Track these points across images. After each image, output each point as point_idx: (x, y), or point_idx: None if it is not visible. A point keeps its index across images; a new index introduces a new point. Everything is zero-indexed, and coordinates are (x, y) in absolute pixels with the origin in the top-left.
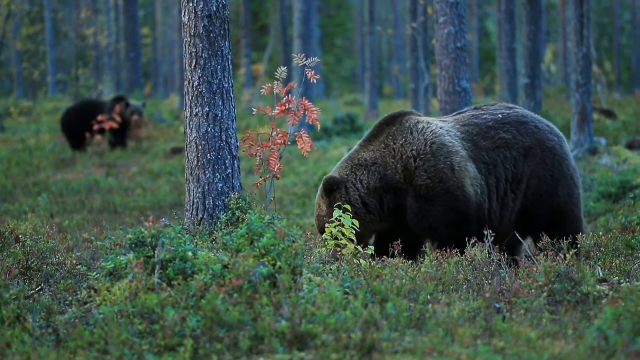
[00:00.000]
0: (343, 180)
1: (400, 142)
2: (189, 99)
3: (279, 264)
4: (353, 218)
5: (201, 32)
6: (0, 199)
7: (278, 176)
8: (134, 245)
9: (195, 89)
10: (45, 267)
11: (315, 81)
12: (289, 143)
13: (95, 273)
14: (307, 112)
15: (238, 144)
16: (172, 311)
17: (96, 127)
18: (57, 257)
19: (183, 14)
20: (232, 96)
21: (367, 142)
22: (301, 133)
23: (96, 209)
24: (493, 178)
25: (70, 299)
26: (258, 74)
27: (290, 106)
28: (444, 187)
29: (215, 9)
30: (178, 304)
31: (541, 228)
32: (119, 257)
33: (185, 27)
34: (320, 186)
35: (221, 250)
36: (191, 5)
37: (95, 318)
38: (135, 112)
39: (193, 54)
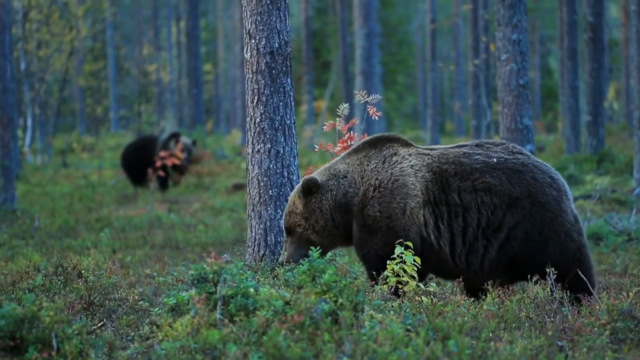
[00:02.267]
0: (321, 185)
1: (371, 167)
2: (250, 135)
3: (340, 300)
4: (320, 229)
5: (263, 68)
6: (63, 234)
7: None
8: (196, 281)
9: (257, 125)
10: (107, 302)
11: (377, 118)
12: None
13: (157, 309)
14: None
15: (300, 180)
16: (233, 347)
17: (158, 163)
18: (120, 292)
19: (245, 51)
20: (294, 132)
21: (347, 155)
22: None
23: (158, 245)
24: (460, 221)
25: (132, 334)
26: (319, 111)
27: (352, 143)
28: (389, 224)
29: (277, 45)
30: (240, 339)
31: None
32: (181, 293)
33: (248, 63)
34: (299, 185)
35: (283, 286)
36: (253, 42)
37: (157, 354)
38: (184, 150)
39: (255, 90)
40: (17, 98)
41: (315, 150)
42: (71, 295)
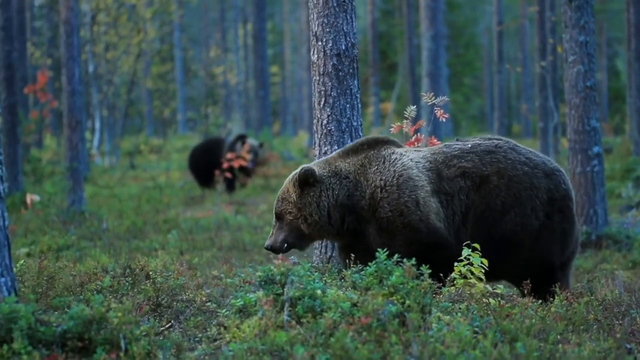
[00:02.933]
0: (319, 179)
1: (374, 168)
2: (317, 137)
3: (407, 302)
4: (312, 222)
5: (330, 70)
6: (131, 236)
7: None
8: (263, 283)
9: (324, 127)
10: (175, 303)
11: (443, 120)
12: None
13: (224, 310)
14: None
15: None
16: (301, 349)
17: (225, 165)
18: (187, 293)
19: (312, 53)
20: (361, 134)
21: (345, 154)
22: None
23: (225, 246)
24: (450, 210)
25: (200, 335)
26: (386, 112)
27: (419, 144)
28: (403, 221)
29: (344, 47)
30: (307, 341)
31: (487, 257)
32: (248, 295)
33: (314, 65)
34: (297, 173)
35: (350, 288)
36: (320, 44)
37: (225, 355)
38: (251, 152)
39: (322, 92)
40: (86, 100)
41: None
42: (139, 297)
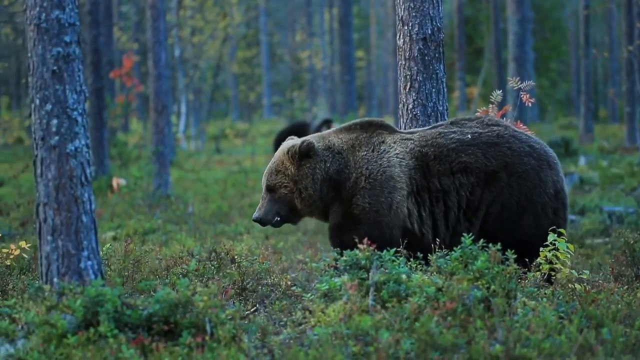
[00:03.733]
0: (317, 152)
1: (363, 153)
2: (403, 121)
3: (493, 287)
4: (307, 196)
5: (416, 55)
6: (216, 220)
7: None
8: (348, 267)
9: (409, 111)
10: (260, 287)
11: (530, 104)
12: None
13: (309, 294)
14: None
15: None
16: (386, 333)
17: None
18: (272, 278)
19: (398, 37)
20: (446, 119)
21: (339, 132)
22: None
23: (310, 231)
24: (441, 206)
25: (285, 319)
26: (472, 97)
27: None
28: (376, 218)
29: (430, 32)
30: (392, 326)
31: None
32: (333, 279)
33: (400, 50)
34: (297, 146)
35: (435, 273)
36: (406, 28)
37: (310, 339)
38: None
39: (407, 76)
40: (172, 85)
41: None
42: (224, 281)
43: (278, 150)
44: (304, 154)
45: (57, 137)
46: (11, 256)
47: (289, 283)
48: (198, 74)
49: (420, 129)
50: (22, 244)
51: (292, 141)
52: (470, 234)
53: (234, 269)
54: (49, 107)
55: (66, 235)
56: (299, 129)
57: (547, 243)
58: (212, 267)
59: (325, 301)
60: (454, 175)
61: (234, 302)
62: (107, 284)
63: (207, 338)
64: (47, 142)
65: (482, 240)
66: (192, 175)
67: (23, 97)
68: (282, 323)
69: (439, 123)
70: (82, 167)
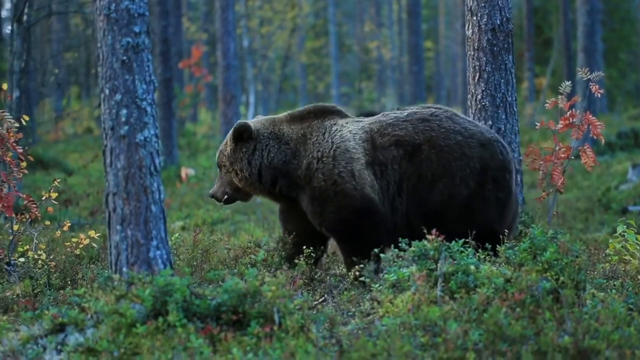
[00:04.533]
0: (255, 136)
1: (314, 139)
2: (472, 112)
3: (561, 278)
4: (243, 178)
5: (485, 45)
6: None
7: (561, 190)
8: (416, 258)
9: (478, 102)
10: (328, 278)
11: (599, 95)
12: (572, 157)
13: (377, 285)
14: (590, 127)
15: (521, 157)
16: (454, 324)
17: None
18: (340, 268)
19: (467, 28)
20: (515, 110)
21: (292, 119)
22: (585, 147)
23: None
24: (384, 181)
25: (353, 310)
26: (540, 88)
27: (573, 120)
28: (336, 189)
29: (499, 22)
30: (460, 316)
31: (418, 230)
32: (401, 269)
33: (469, 40)
34: (233, 127)
35: (503, 264)
36: (475, 18)
37: (378, 329)
38: None
39: (476, 67)
40: (240, 75)
41: (537, 127)
42: (293, 271)
43: None
44: (236, 136)
45: (126, 127)
46: (81, 245)
47: (357, 273)
48: (266, 64)
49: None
50: (92, 233)
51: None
52: (401, 210)
53: (302, 259)
54: (118, 97)
55: (135, 224)
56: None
57: (616, 234)
58: (280, 257)
59: (393, 292)
60: (389, 148)
61: (302, 292)
62: (176, 274)
63: (275, 328)
64: (117, 132)
65: (406, 213)
66: None
67: (93, 87)
68: (350, 313)
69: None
70: (151, 156)
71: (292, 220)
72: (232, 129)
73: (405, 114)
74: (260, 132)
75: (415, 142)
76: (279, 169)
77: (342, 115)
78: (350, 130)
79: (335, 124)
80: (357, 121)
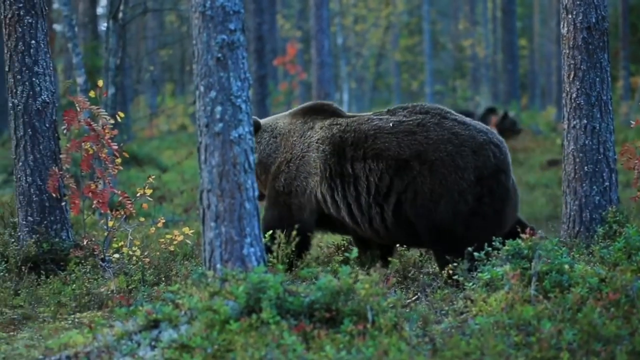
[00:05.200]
0: (261, 130)
1: (293, 139)
2: (566, 110)
3: None
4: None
5: (580, 43)
6: None
7: None
8: (510, 257)
9: (573, 100)
10: (421, 276)
11: None
12: None
13: (471, 283)
14: None
15: (616, 156)
16: (548, 323)
17: None
18: (433, 266)
19: (562, 26)
20: (610, 108)
21: (292, 114)
22: None
23: None
24: (352, 191)
25: (447, 308)
26: (636, 86)
27: None
28: (287, 201)
29: (594, 20)
30: (554, 316)
31: (426, 243)
32: (495, 268)
33: (564, 38)
34: None
35: (598, 263)
36: (570, 17)
37: (471, 328)
38: (514, 125)
39: (571, 65)
40: (334, 73)
41: (632, 126)
42: (386, 269)
43: None
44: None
45: (221, 124)
46: (175, 242)
47: (451, 272)
48: (360, 62)
49: (363, 114)
50: (186, 230)
51: None
52: (382, 218)
53: (395, 257)
54: (213, 94)
55: (229, 221)
56: None
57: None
58: (373, 255)
59: (487, 290)
60: (365, 161)
61: (395, 291)
62: (269, 271)
63: (368, 326)
64: (211, 129)
65: (400, 223)
66: None
67: (187, 84)
68: (443, 312)
69: (388, 108)
70: (246, 154)
71: None
72: None
73: (391, 124)
74: (265, 126)
75: (400, 158)
76: (262, 163)
77: (328, 115)
78: (318, 139)
79: (311, 128)
80: (332, 124)
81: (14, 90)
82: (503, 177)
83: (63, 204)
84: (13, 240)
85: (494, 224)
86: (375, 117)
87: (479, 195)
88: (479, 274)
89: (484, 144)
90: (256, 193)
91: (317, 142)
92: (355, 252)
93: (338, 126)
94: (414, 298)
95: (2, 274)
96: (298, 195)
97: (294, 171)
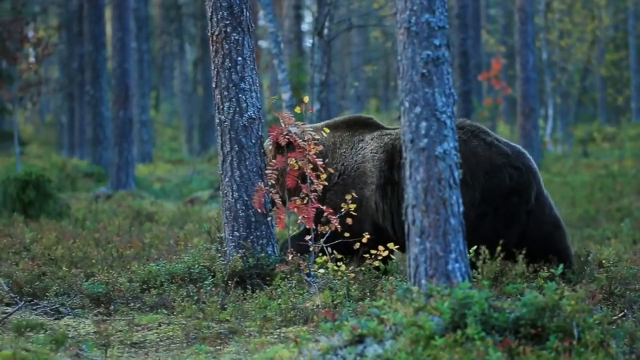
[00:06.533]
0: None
1: (342, 151)
2: None
3: None
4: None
5: None
6: (584, 224)
7: None
8: None
9: None
10: (628, 292)
11: None
12: None
13: None
14: None
15: None
16: None
17: None
18: None
19: None
20: None
21: (327, 127)
22: None
23: None
24: (395, 199)
25: None
26: None
27: None
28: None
29: None
30: None
31: None
32: None
33: None
34: None
35: None
36: None
37: None
38: None
39: None
40: (539, 88)
41: None
42: (592, 285)
43: None
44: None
45: (425, 140)
46: (379, 257)
47: None
48: (565, 77)
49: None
50: (391, 245)
51: None
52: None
53: (601, 273)
54: (418, 109)
55: (434, 237)
56: None
57: None
58: (580, 272)
59: None
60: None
61: (601, 307)
62: (474, 287)
63: (574, 342)
64: (416, 144)
65: None
66: (559, 179)
67: (391, 100)
68: None
69: None
70: (451, 169)
71: None
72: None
73: None
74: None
75: None
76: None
77: (374, 127)
78: (372, 149)
79: (362, 140)
80: (383, 135)
81: (221, 107)
82: (515, 199)
83: (269, 219)
84: (220, 255)
85: (491, 242)
86: None
87: (482, 213)
88: None
89: (501, 166)
90: (461, 209)
91: (371, 152)
92: (560, 268)
93: (389, 136)
94: (620, 315)
95: (209, 288)
96: (354, 209)
97: (350, 184)
